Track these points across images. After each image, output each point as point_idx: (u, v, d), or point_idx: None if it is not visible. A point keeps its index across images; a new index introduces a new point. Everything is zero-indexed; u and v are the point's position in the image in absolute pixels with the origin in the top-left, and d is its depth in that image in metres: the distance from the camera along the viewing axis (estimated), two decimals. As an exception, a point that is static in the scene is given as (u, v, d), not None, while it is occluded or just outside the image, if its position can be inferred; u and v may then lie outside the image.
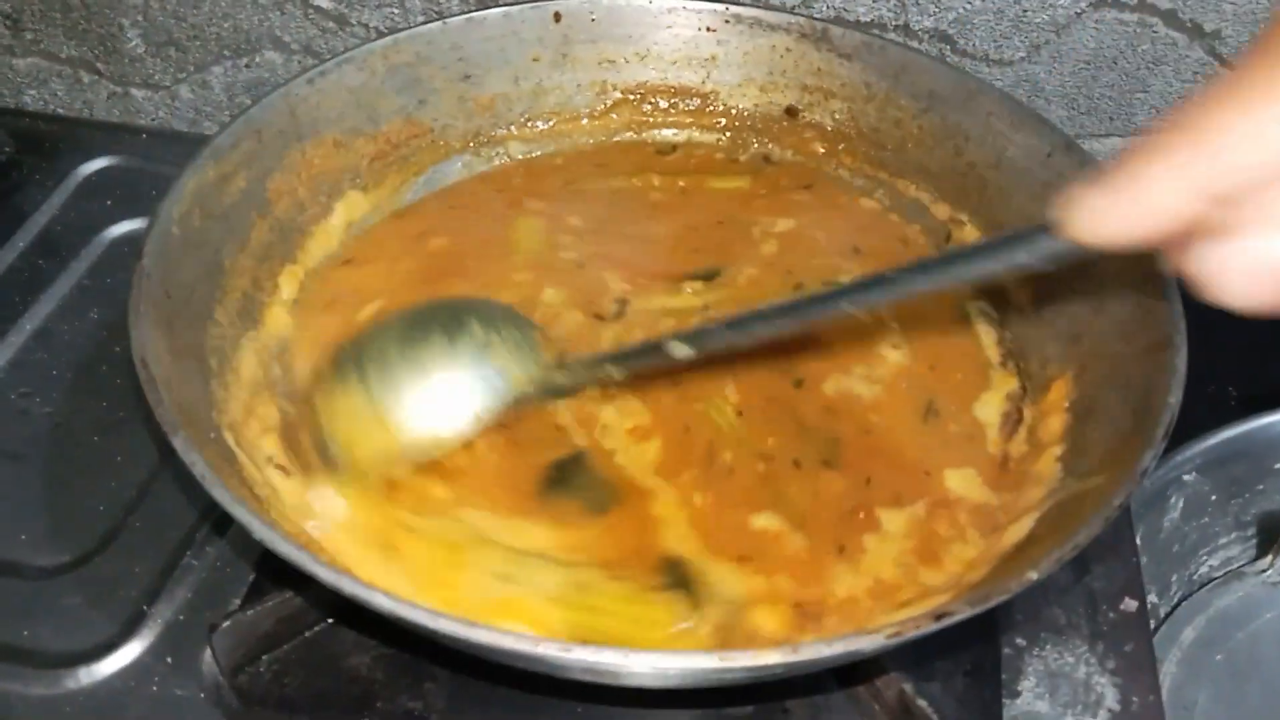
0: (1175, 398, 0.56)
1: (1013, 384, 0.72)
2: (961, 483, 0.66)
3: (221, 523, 0.72)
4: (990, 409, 0.70)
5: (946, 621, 0.46)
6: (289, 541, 0.49)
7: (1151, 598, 0.87)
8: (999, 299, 0.76)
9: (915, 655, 0.64)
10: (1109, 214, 0.45)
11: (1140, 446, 0.54)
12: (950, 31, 0.95)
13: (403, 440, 0.63)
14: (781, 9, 0.87)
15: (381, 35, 0.98)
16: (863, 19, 0.95)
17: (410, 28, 0.81)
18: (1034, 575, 0.48)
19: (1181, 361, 0.58)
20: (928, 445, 0.68)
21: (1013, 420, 0.70)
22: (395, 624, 0.50)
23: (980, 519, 0.64)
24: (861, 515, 0.63)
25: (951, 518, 0.64)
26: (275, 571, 0.68)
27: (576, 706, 0.64)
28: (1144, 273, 0.65)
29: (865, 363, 0.72)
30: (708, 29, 0.85)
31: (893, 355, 0.73)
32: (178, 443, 0.53)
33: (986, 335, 0.75)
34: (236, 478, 0.57)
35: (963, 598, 0.48)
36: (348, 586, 0.48)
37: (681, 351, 0.61)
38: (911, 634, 0.46)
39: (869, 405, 0.70)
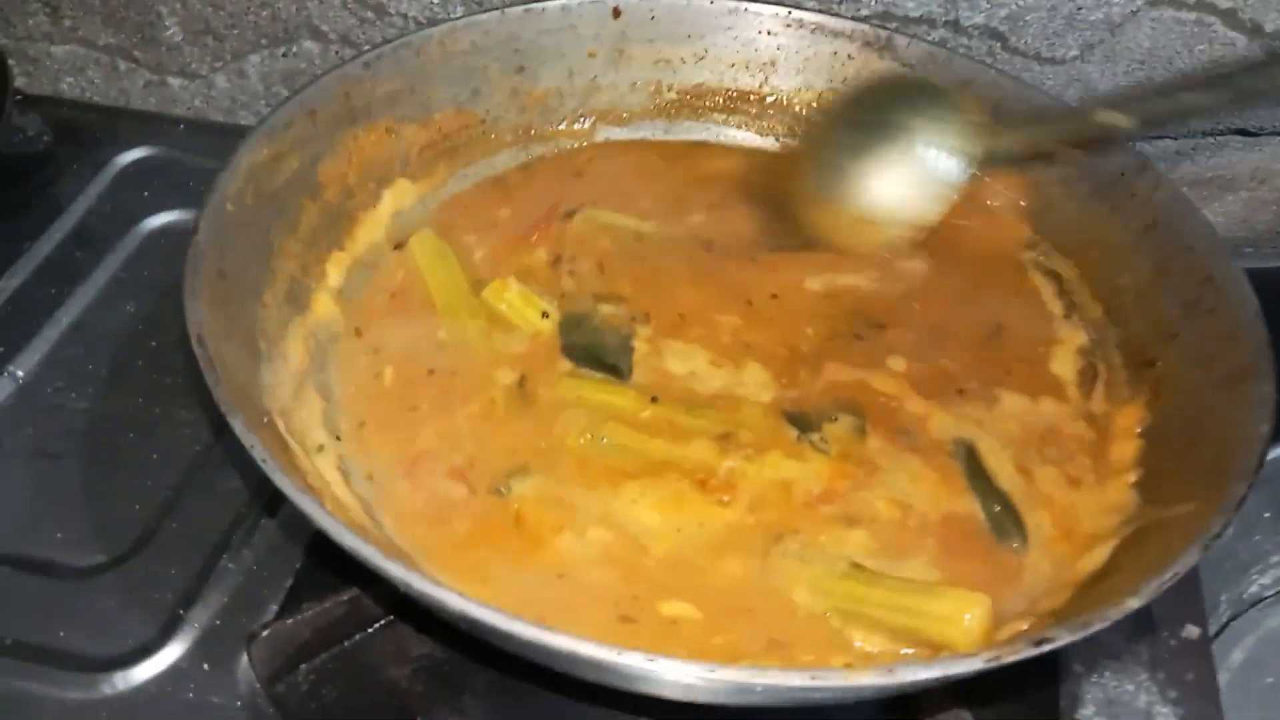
0: (1266, 425, 0.54)
1: (1082, 338, 0.72)
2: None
3: (271, 505, 0.71)
4: (1065, 365, 0.71)
5: (1046, 647, 0.45)
6: (355, 534, 0.48)
7: (1200, 619, 0.85)
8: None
9: (971, 681, 0.62)
10: None
11: (1232, 477, 0.52)
12: (1001, 28, 0.93)
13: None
14: (843, 15, 0.85)
15: (420, 25, 0.97)
16: (911, 15, 0.92)
17: (451, 18, 0.80)
18: (1135, 603, 0.47)
19: (1271, 388, 0.56)
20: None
21: (1089, 377, 0.70)
22: (459, 624, 0.49)
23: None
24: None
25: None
26: (322, 569, 0.67)
27: (618, 717, 0.62)
28: (1223, 298, 0.63)
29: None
30: (768, 32, 0.83)
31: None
32: (236, 424, 0.51)
33: (1045, 288, 0.76)
34: (293, 466, 0.55)
35: (1063, 623, 0.46)
36: (417, 584, 0.46)
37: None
38: (1010, 659, 0.44)
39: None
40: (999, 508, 0.63)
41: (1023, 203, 0.81)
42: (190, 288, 0.58)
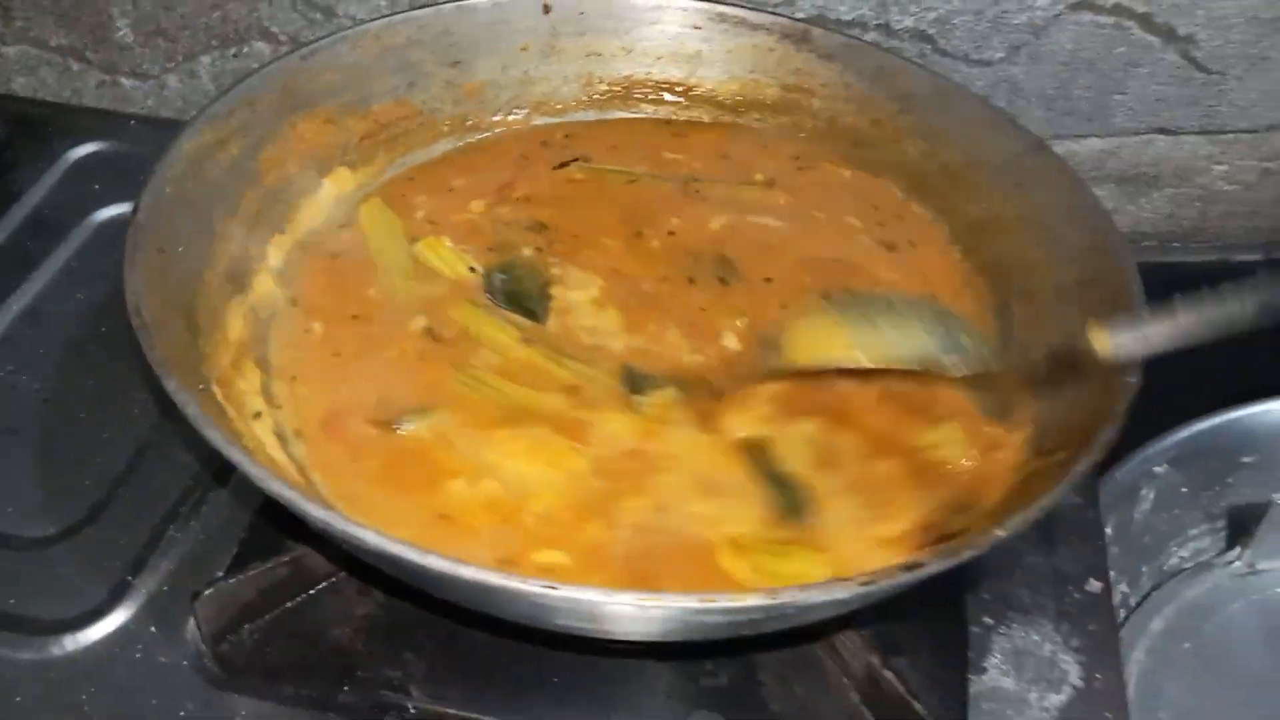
0: (1135, 377, 0.58)
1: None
2: None
3: (222, 473, 0.74)
4: None
5: (917, 573, 0.48)
6: (282, 481, 0.51)
7: (1122, 588, 0.89)
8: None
9: (885, 628, 0.66)
10: None
11: (1101, 421, 0.56)
12: (930, 31, 0.97)
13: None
14: (765, 9, 0.88)
15: (369, 24, 1.00)
16: (844, 18, 0.96)
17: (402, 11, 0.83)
18: (1000, 532, 0.50)
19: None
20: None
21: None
22: (379, 564, 0.51)
23: None
24: None
25: None
26: (266, 534, 0.70)
27: (552, 674, 0.65)
28: (1108, 271, 0.67)
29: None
30: (694, 26, 0.87)
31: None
32: (170, 385, 0.54)
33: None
34: (228, 427, 0.58)
35: (934, 552, 0.50)
36: (339, 525, 0.49)
37: None
38: (883, 582, 0.48)
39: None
40: (781, 495, 0.65)
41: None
42: (130, 261, 0.61)
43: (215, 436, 0.52)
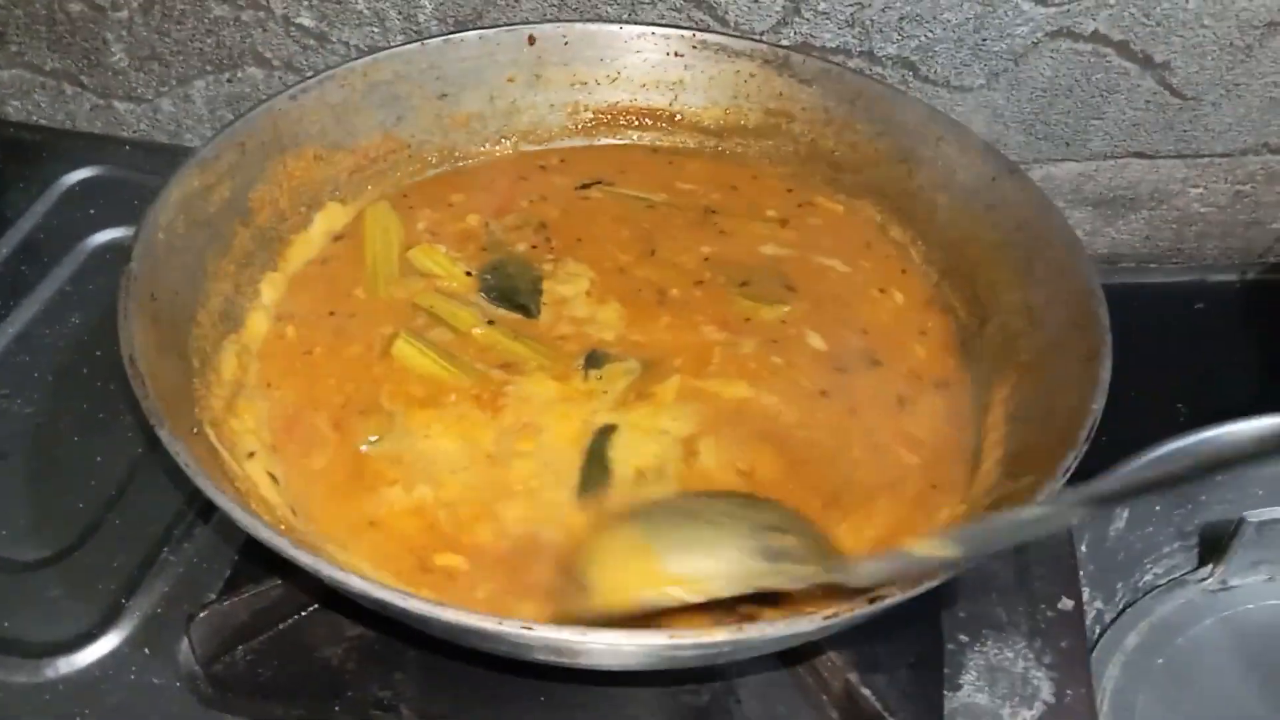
0: (1097, 404, 0.59)
1: (952, 328, 0.78)
2: None
3: (206, 512, 0.75)
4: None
5: (880, 605, 0.50)
6: (270, 528, 0.52)
7: (1096, 604, 0.90)
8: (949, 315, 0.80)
9: (862, 647, 0.67)
10: None
11: (1064, 448, 0.57)
12: (913, 58, 0.99)
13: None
14: (748, 36, 0.90)
15: (362, 53, 1.01)
16: (828, 45, 0.98)
17: (390, 46, 0.84)
18: (956, 557, 0.51)
19: (1105, 371, 0.61)
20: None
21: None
22: (367, 605, 0.53)
23: None
24: None
25: None
26: (257, 561, 0.70)
27: (540, 689, 0.67)
28: (1077, 289, 0.69)
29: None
30: (675, 54, 0.89)
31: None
32: (163, 434, 0.55)
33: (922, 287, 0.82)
34: (219, 470, 0.60)
35: (898, 585, 0.51)
36: (325, 570, 0.50)
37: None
38: (847, 616, 0.49)
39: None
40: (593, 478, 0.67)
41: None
42: (123, 310, 0.62)
43: (207, 485, 0.54)
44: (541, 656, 0.54)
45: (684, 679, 0.66)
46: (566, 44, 0.87)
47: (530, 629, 0.48)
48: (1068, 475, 0.56)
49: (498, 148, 0.90)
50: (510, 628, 0.48)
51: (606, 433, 0.69)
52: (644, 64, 0.89)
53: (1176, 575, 0.93)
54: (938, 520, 0.65)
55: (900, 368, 0.75)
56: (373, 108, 0.83)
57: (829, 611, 0.49)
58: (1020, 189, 0.76)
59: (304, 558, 0.51)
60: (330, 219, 0.82)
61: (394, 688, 0.67)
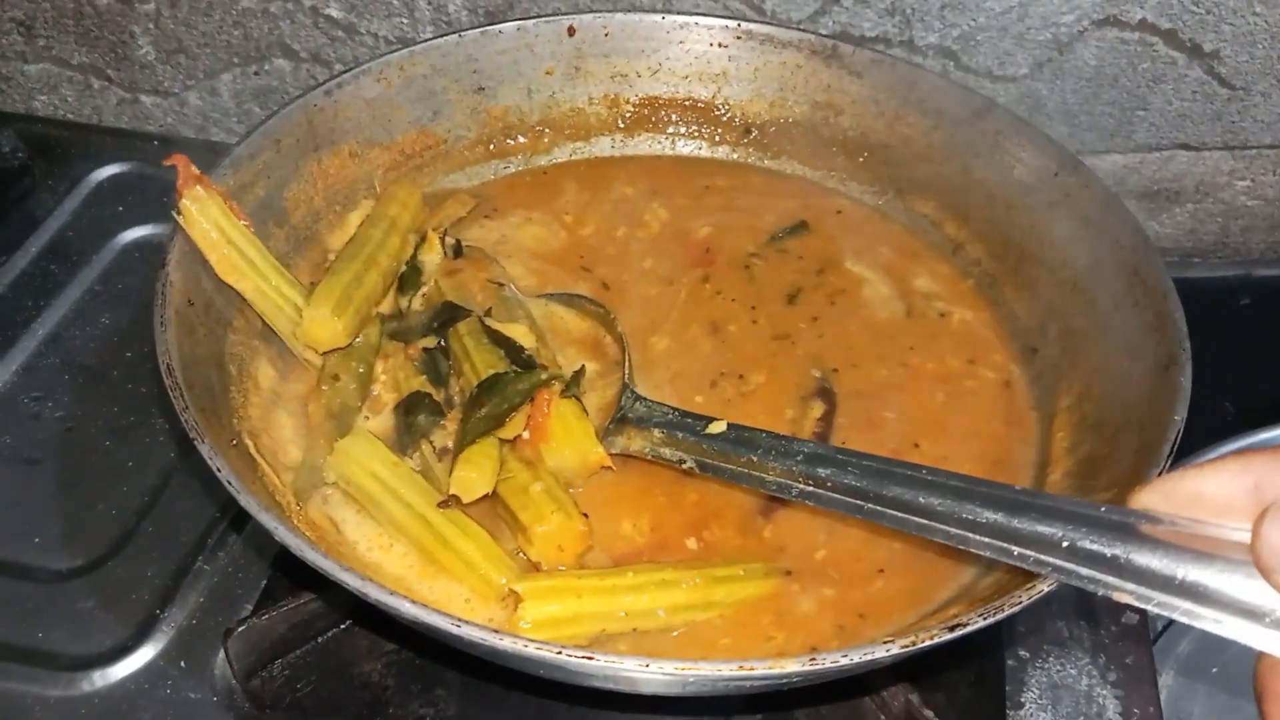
0: (1180, 415, 0.57)
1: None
2: None
3: (239, 520, 0.73)
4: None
5: (960, 632, 0.47)
6: (315, 549, 0.50)
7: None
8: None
9: (921, 666, 0.65)
10: None
11: (1147, 462, 0.55)
12: (954, 48, 0.96)
13: None
14: (791, 26, 0.88)
15: (390, 44, 1.00)
16: (868, 34, 0.96)
17: (420, 38, 0.82)
18: (1045, 587, 0.49)
19: (1186, 379, 0.59)
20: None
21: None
22: (416, 629, 0.51)
23: None
24: None
25: None
26: (293, 573, 0.69)
27: (587, 713, 0.64)
28: (1146, 291, 0.66)
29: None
30: (719, 44, 0.86)
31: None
32: (203, 449, 0.53)
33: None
34: (258, 483, 0.58)
35: (975, 610, 0.49)
36: (374, 592, 0.48)
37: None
38: (925, 644, 0.47)
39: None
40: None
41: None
42: (160, 317, 0.61)
43: (250, 504, 0.52)
44: (601, 685, 0.52)
45: (738, 706, 0.64)
46: (607, 35, 0.85)
47: (592, 659, 0.45)
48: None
49: (535, 141, 0.88)
50: (571, 658, 0.45)
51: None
52: (686, 55, 0.86)
53: (1232, 580, 0.90)
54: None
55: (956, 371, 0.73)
56: (409, 102, 0.81)
57: (905, 641, 0.46)
58: (1084, 184, 0.73)
59: (351, 580, 0.49)
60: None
61: (435, 705, 0.65)
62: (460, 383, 0.68)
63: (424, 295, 0.74)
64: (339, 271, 0.70)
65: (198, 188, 0.66)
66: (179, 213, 0.65)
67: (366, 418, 0.68)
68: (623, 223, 0.83)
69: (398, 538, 0.61)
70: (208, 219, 0.66)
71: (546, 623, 0.56)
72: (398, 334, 0.71)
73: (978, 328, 0.77)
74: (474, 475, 0.59)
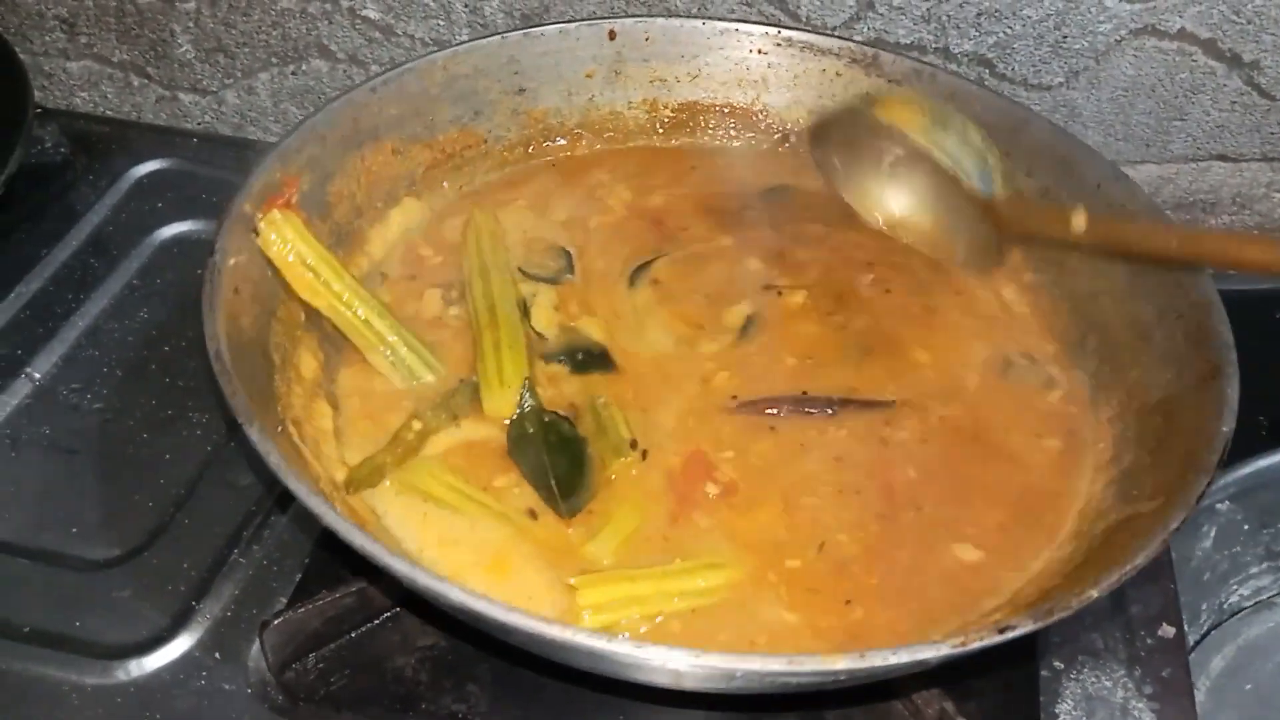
0: (1229, 425, 0.56)
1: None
2: None
3: (277, 510, 0.74)
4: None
5: (1010, 635, 0.47)
6: (365, 534, 0.50)
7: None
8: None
9: (955, 673, 0.64)
10: None
11: (1195, 472, 0.54)
12: (990, 55, 0.96)
13: None
14: (831, 34, 0.88)
15: (427, 46, 1.00)
16: (903, 41, 0.96)
17: (456, 40, 0.83)
18: (1095, 593, 0.49)
19: (1234, 390, 0.58)
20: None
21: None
22: (461, 618, 0.51)
23: None
24: None
25: None
26: (329, 564, 0.70)
27: (619, 706, 0.64)
28: (1190, 303, 0.66)
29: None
30: (759, 51, 0.86)
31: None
32: (252, 433, 0.54)
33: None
34: (305, 470, 0.58)
35: (1024, 613, 0.48)
36: (421, 579, 0.48)
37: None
38: (975, 645, 0.47)
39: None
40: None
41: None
42: (209, 303, 0.61)
43: (300, 489, 0.52)
44: (645, 678, 0.52)
45: (774, 703, 0.64)
46: (648, 39, 0.85)
47: (640, 649, 0.45)
48: (1200, 502, 0.53)
49: (574, 144, 0.88)
50: (621, 647, 0.46)
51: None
52: (726, 61, 0.87)
53: (1265, 597, 0.90)
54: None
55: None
56: (450, 101, 0.82)
57: (956, 641, 0.46)
58: (1128, 194, 0.73)
59: (400, 565, 0.49)
60: (406, 214, 0.80)
61: (468, 700, 0.65)
62: None
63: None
64: (483, 348, 0.71)
65: (275, 211, 0.68)
66: (256, 234, 0.67)
67: None
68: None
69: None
70: (284, 240, 0.68)
71: (605, 606, 0.57)
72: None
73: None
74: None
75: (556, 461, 0.65)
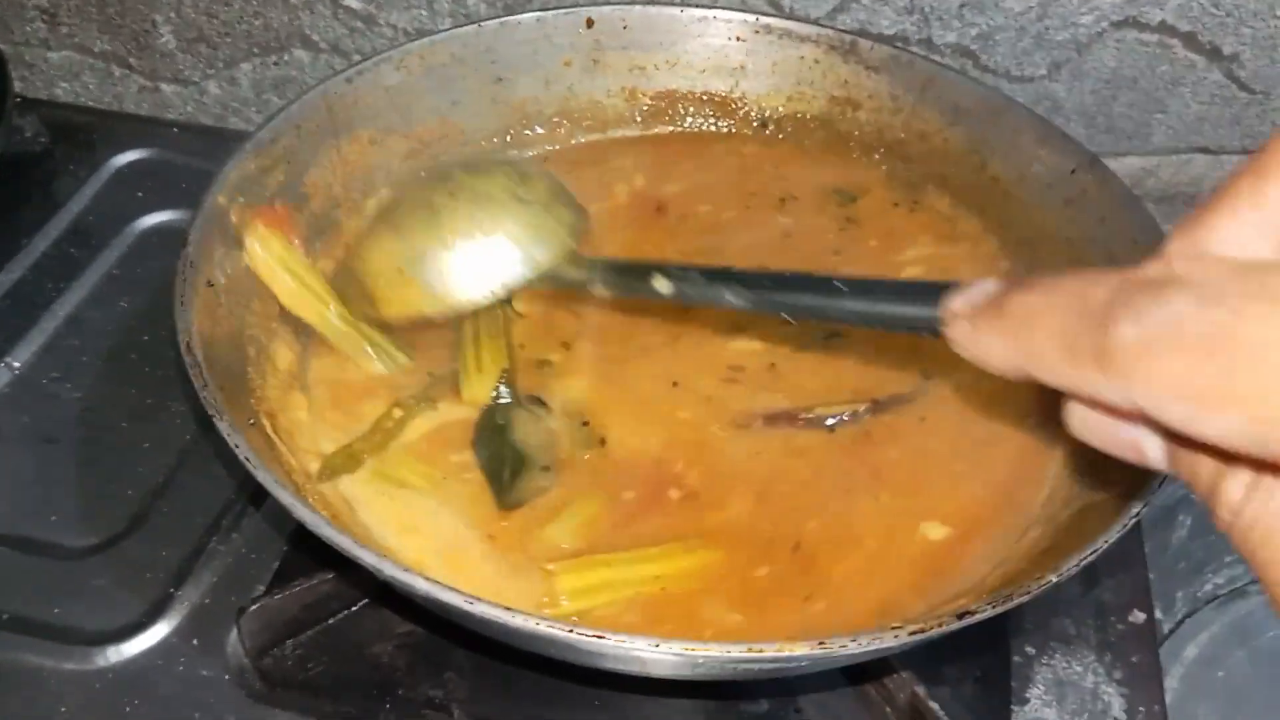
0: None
1: None
2: None
3: (254, 502, 0.74)
4: None
5: (969, 620, 0.48)
6: (332, 526, 0.51)
7: (1156, 613, 0.88)
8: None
9: (927, 659, 0.65)
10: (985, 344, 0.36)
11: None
12: (972, 47, 0.96)
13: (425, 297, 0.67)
14: (810, 21, 0.88)
15: (409, 36, 1.00)
16: (886, 32, 0.96)
17: (438, 29, 0.83)
18: (1053, 578, 0.49)
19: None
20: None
21: None
22: (429, 607, 0.51)
23: None
24: None
25: None
26: (306, 553, 0.70)
27: (595, 695, 0.65)
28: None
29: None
30: (737, 38, 0.86)
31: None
32: (222, 426, 0.54)
33: None
34: (276, 463, 0.58)
35: (984, 599, 0.49)
36: (389, 570, 0.49)
37: (664, 288, 0.60)
38: (935, 632, 0.47)
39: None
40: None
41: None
42: (180, 297, 0.61)
43: (268, 480, 0.52)
44: (611, 666, 0.53)
45: (746, 690, 0.64)
46: (625, 27, 0.85)
47: (602, 637, 0.46)
48: (1160, 486, 0.53)
49: (553, 132, 0.88)
50: (582, 637, 0.46)
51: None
52: (704, 49, 0.86)
53: (1239, 585, 0.91)
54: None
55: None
56: (428, 91, 0.81)
57: (914, 628, 0.47)
58: (1102, 183, 0.73)
59: (368, 557, 0.49)
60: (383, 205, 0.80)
61: (446, 687, 0.66)
62: None
63: None
64: (462, 337, 0.71)
65: (259, 225, 0.69)
66: (244, 250, 0.68)
67: None
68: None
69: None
70: (272, 255, 0.69)
71: (584, 591, 0.58)
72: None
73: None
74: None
75: (513, 456, 0.66)
